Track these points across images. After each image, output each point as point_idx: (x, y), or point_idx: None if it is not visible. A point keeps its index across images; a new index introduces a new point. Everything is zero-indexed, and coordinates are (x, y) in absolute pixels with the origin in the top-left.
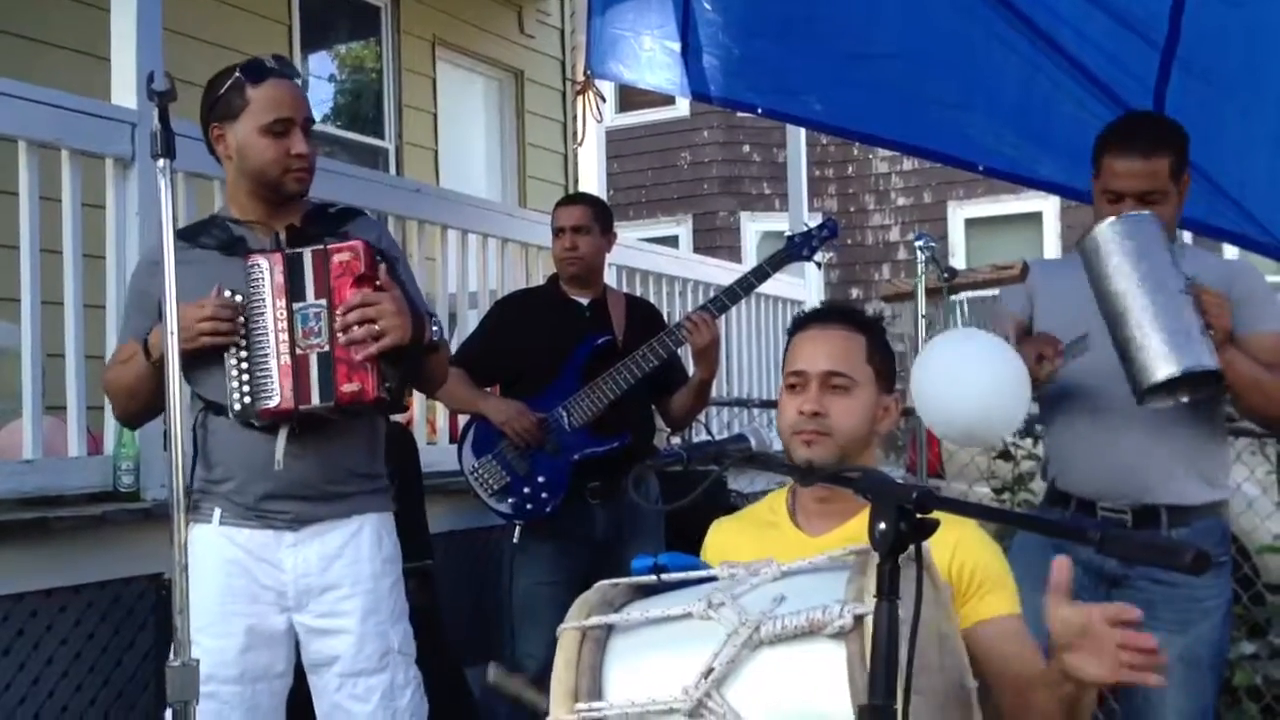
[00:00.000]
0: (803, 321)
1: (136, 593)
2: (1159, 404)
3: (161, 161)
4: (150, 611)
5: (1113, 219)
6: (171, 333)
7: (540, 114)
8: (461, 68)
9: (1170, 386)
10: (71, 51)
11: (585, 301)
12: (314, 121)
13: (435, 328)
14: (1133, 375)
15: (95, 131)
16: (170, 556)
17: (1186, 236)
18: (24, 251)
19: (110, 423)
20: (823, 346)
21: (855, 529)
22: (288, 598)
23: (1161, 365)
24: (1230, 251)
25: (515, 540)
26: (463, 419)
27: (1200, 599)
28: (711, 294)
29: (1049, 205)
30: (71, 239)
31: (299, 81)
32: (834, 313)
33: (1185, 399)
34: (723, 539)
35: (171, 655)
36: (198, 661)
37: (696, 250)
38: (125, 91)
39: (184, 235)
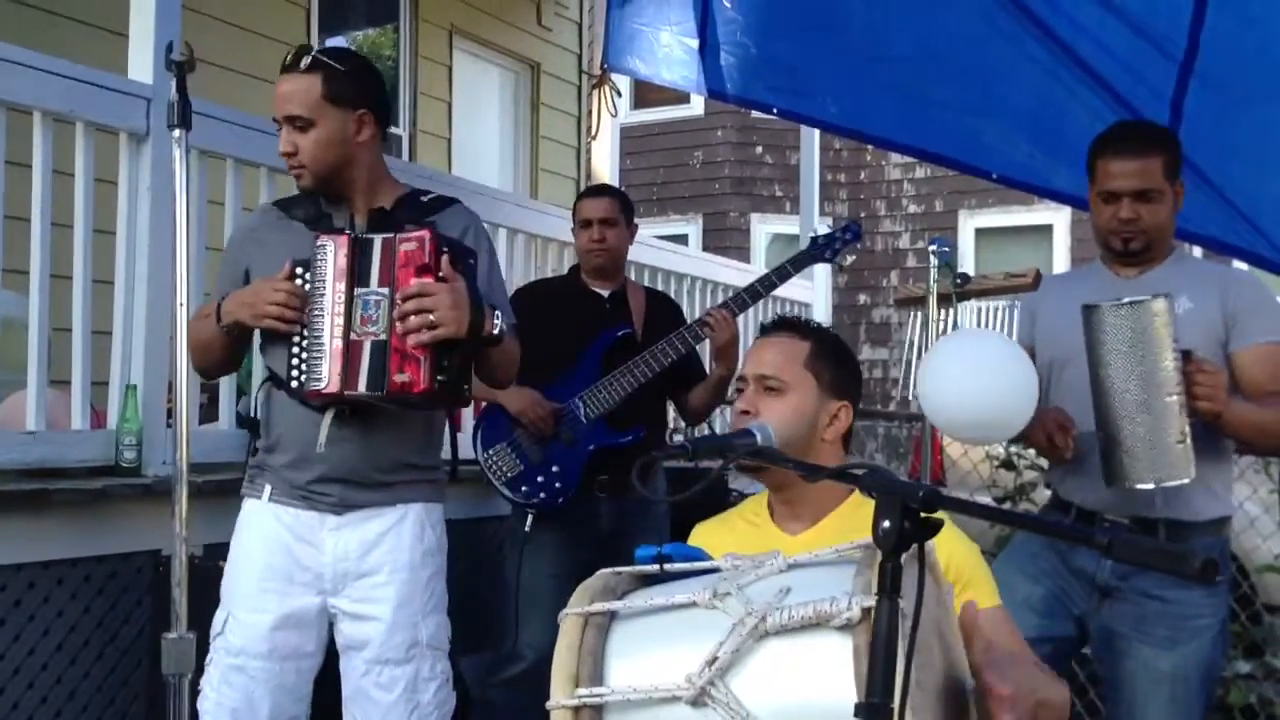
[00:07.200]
0: (759, 334)
1: (134, 568)
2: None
3: (177, 132)
4: (147, 589)
5: (1116, 303)
6: (182, 304)
7: (555, 107)
8: (478, 58)
9: None
10: (88, 25)
11: (606, 293)
12: (302, 120)
13: (498, 320)
14: (1110, 466)
15: (110, 105)
16: (169, 533)
17: (1197, 252)
18: (35, 224)
19: (114, 399)
20: (763, 353)
21: (829, 526)
22: (324, 580)
23: (1138, 474)
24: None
25: (527, 529)
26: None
27: (1190, 616)
28: (722, 293)
29: (1060, 218)
30: (83, 213)
31: (303, 70)
32: (781, 323)
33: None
34: (706, 542)
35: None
36: (195, 635)
37: (705, 250)
38: (142, 66)
39: (280, 205)
